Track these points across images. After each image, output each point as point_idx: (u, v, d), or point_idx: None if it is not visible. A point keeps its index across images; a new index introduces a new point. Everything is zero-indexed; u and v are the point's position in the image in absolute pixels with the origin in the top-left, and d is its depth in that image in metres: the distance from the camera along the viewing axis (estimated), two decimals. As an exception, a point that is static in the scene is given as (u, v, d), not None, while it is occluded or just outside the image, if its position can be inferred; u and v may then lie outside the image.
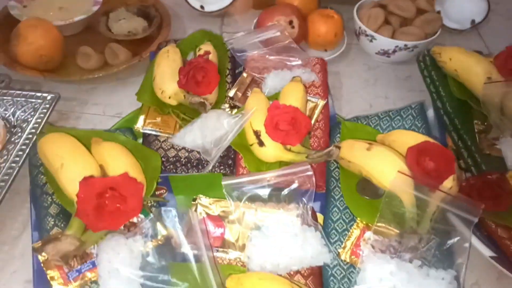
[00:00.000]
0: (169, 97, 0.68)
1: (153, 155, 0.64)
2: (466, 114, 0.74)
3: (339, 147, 0.63)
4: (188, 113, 0.69)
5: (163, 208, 0.58)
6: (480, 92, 0.71)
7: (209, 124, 0.65)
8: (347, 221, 0.60)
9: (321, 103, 0.74)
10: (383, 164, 0.58)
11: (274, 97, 0.73)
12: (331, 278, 0.55)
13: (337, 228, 0.59)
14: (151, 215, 0.55)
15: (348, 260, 0.56)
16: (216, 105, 0.72)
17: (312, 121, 0.72)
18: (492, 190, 0.60)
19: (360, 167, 0.60)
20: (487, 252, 0.59)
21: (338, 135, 0.70)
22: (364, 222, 0.58)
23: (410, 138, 0.60)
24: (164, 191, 0.66)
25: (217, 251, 0.56)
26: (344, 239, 0.58)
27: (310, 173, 0.58)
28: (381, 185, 0.58)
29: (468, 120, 0.73)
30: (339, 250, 0.57)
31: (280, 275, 0.53)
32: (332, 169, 0.66)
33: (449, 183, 0.56)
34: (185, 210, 0.58)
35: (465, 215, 0.54)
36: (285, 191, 0.58)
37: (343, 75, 0.92)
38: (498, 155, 0.69)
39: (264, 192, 0.58)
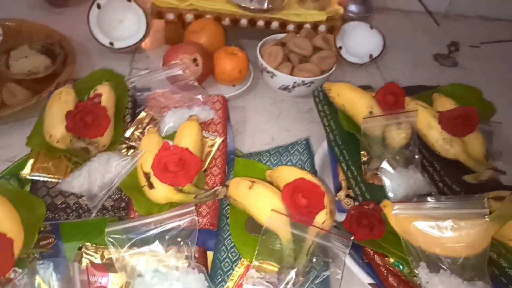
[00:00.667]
0: (57, 142, 0.67)
1: (38, 202, 0.63)
2: (354, 146, 0.79)
3: (226, 186, 0.65)
4: (80, 156, 0.69)
5: (40, 262, 0.56)
6: (362, 125, 0.76)
7: (98, 168, 0.64)
8: (233, 259, 0.62)
9: (218, 140, 0.76)
10: (261, 202, 0.61)
11: (171, 136, 0.74)
12: None
13: (223, 267, 0.61)
14: (26, 269, 0.53)
15: None
16: (111, 147, 0.72)
17: (209, 159, 0.74)
18: (368, 219, 0.65)
19: (243, 205, 0.63)
20: (366, 279, 0.63)
21: (232, 171, 0.72)
22: (248, 260, 0.60)
23: (290, 174, 0.63)
24: (52, 239, 0.64)
25: (97, 301, 0.55)
26: (227, 279, 0.59)
27: (193, 215, 0.59)
28: (261, 222, 0.61)
29: (355, 152, 0.79)
30: None
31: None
32: (224, 206, 0.68)
33: (321, 218, 0.60)
34: (67, 261, 0.57)
35: (337, 247, 0.57)
36: (168, 235, 0.58)
37: (248, 110, 0.96)
38: (380, 184, 0.74)
39: (150, 237, 0.59)
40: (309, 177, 0.63)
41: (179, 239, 0.59)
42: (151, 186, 0.64)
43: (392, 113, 0.77)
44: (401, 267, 0.62)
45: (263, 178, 0.70)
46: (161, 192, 0.64)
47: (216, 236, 0.65)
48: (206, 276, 0.57)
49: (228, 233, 0.64)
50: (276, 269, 0.57)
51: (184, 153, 0.65)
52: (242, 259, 0.61)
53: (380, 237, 0.63)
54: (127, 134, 0.75)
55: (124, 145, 0.74)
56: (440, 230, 0.60)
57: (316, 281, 0.57)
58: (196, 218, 0.59)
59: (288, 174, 0.64)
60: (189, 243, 0.58)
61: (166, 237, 0.59)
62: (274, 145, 0.88)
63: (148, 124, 0.77)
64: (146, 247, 0.58)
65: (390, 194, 0.72)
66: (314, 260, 0.58)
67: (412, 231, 0.61)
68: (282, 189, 0.60)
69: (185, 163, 0.64)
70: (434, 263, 0.59)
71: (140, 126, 0.77)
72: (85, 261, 0.58)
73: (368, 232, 0.63)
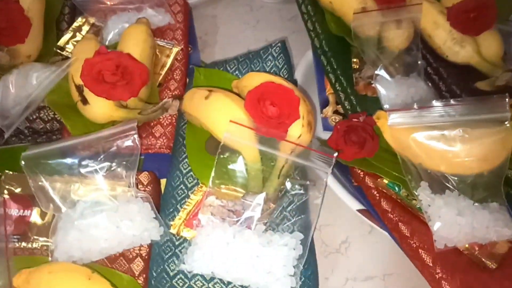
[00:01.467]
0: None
1: None
2: (344, 52, 0.65)
3: (178, 99, 0.52)
4: (-1, 68, 0.55)
5: None
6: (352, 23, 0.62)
7: (16, 81, 0.51)
8: (189, 186, 0.50)
9: (175, 49, 0.62)
10: (220, 114, 0.48)
11: (115, 46, 0.60)
12: (157, 258, 0.46)
13: (176, 195, 0.49)
14: None
15: (181, 234, 0.47)
16: (42, 59, 0.58)
17: (165, 70, 0.60)
18: (358, 135, 0.52)
19: (199, 120, 0.50)
20: (354, 204, 0.52)
21: (193, 85, 0.59)
22: (207, 186, 0.49)
23: (258, 81, 0.50)
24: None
25: (17, 240, 0.45)
26: (181, 209, 0.48)
27: (133, 132, 0.47)
28: (219, 138, 0.48)
29: (345, 59, 0.65)
30: (171, 223, 0.48)
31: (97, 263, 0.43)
32: (181, 125, 0.56)
33: (296, 131, 0.48)
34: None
35: (318, 167, 0.46)
36: (103, 158, 0.46)
37: (220, 19, 0.80)
38: (374, 96, 0.61)
39: (79, 162, 0.47)
40: (280, 81, 0.50)
41: (117, 163, 0.47)
42: (85, 101, 0.51)
43: (390, 8, 0.61)
44: (396, 189, 0.50)
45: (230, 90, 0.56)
46: (98, 108, 0.51)
47: (170, 160, 0.53)
48: (153, 206, 0.46)
49: (184, 155, 0.52)
50: (241, 195, 0.46)
51: (124, 58, 0.51)
52: (200, 185, 0.49)
53: (372, 155, 0.51)
54: (61, 42, 0.61)
55: (58, 58, 0.60)
56: (447, 142, 0.47)
57: (289, 208, 0.45)
58: (137, 136, 0.47)
59: (258, 81, 0.50)
60: (130, 167, 0.47)
61: (101, 161, 0.47)
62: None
63: (88, 32, 0.63)
64: (76, 175, 0.47)
65: (386, 106, 0.59)
66: (288, 183, 0.46)
67: (412, 145, 0.48)
68: (246, 96, 0.47)
69: (125, 71, 0.50)
70: (438, 183, 0.47)
71: (78, 34, 0.62)
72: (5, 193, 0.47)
73: (358, 149, 0.51)
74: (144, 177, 0.50)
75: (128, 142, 0.47)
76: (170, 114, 0.53)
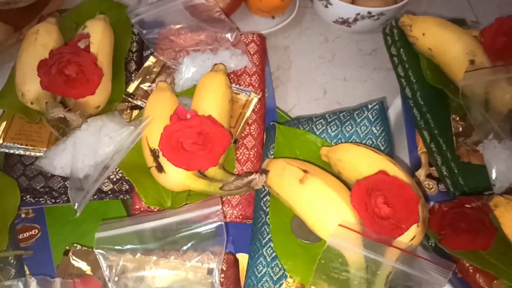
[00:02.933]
0: (31, 103, 0.49)
1: (10, 186, 0.46)
2: (442, 107, 0.57)
3: (265, 172, 0.45)
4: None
5: (15, 279, 0.41)
6: (460, 81, 0.53)
7: (87, 139, 0.46)
8: (275, 278, 0.44)
9: (254, 98, 0.56)
10: (316, 206, 0.41)
11: (189, 92, 0.54)
12: None
13: None
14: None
15: None
16: (109, 107, 0.53)
17: (241, 125, 0.54)
18: (470, 224, 0.45)
19: (288, 203, 0.44)
20: None
21: (273, 144, 0.52)
22: (297, 281, 0.43)
23: (360, 161, 0.43)
24: (36, 231, 0.49)
25: (89, 335, 0.40)
26: None
27: (219, 217, 0.41)
28: (317, 233, 0.42)
29: (443, 115, 0.57)
30: None
31: None
32: (261, 197, 0.49)
33: (410, 232, 0.40)
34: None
35: (430, 278, 0.38)
36: (185, 244, 0.41)
37: (292, 51, 0.73)
38: (479, 164, 0.53)
39: (156, 246, 0.42)
40: (393, 169, 0.42)
41: (199, 250, 0.41)
42: (160, 168, 0.46)
43: (505, 64, 0.53)
44: (519, 297, 0.42)
45: (317, 157, 0.50)
46: (175, 177, 0.46)
47: (251, 240, 0.47)
48: (236, 307, 0.40)
49: (268, 237, 0.46)
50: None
51: (206, 124, 0.45)
52: (288, 279, 0.43)
53: (486, 249, 0.44)
54: (131, 88, 0.55)
55: (126, 104, 0.54)
56: None
57: None
58: (223, 223, 0.41)
59: (357, 159, 0.43)
60: (213, 254, 0.41)
61: (183, 248, 0.41)
62: (327, 100, 0.67)
63: (158, 74, 0.57)
64: (152, 258, 0.42)
65: (496, 182, 0.51)
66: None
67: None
68: (352, 189, 0.40)
69: (207, 138, 0.45)
70: None
71: (148, 77, 0.57)
72: (71, 272, 0.43)
73: (469, 240, 0.44)
74: (222, 260, 0.44)
75: (212, 227, 0.41)
76: (255, 189, 0.47)
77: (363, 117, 0.51)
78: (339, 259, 0.39)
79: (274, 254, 0.44)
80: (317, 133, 0.51)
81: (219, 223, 0.41)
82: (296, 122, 0.53)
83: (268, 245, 0.45)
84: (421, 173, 0.57)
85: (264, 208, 0.48)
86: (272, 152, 0.52)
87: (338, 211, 0.40)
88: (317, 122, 0.52)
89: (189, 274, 0.41)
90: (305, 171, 0.43)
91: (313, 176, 0.42)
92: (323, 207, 0.41)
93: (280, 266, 0.44)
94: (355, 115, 0.51)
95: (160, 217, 0.42)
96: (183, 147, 0.44)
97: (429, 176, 0.57)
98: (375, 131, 0.50)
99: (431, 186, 0.56)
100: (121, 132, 0.46)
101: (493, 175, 0.51)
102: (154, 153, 0.46)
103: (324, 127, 0.52)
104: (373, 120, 0.50)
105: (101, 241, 0.41)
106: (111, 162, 0.45)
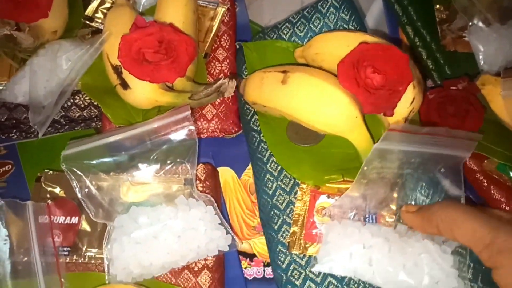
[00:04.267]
0: (-18, 32, 0.46)
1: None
2: (424, -2, 0.53)
3: (235, 77, 0.43)
4: (24, 50, 0.48)
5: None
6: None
7: (44, 64, 0.43)
8: (287, 189, 0.42)
9: (221, 9, 0.52)
10: (309, 100, 0.39)
11: (151, 11, 0.50)
12: (288, 287, 0.39)
13: (278, 204, 0.41)
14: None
15: (307, 252, 0.39)
16: (68, 33, 0.50)
17: (210, 37, 0.51)
18: (458, 106, 0.43)
19: (280, 112, 0.41)
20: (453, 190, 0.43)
21: (245, 64, 0.49)
22: (310, 185, 0.41)
23: (338, 45, 0.40)
24: (10, 166, 0.48)
25: (68, 253, 0.39)
26: (290, 221, 0.40)
27: (189, 122, 0.39)
28: (316, 129, 0.40)
29: (426, 6, 0.53)
30: (287, 240, 0.40)
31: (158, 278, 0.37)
32: (249, 118, 0.46)
33: (409, 95, 0.38)
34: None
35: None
36: (155, 155, 0.39)
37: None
38: (466, 52, 0.50)
39: (127, 159, 0.40)
40: (371, 39, 0.39)
41: (172, 160, 0.39)
42: (125, 85, 0.43)
43: None
44: (511, 173, 0.41)
45: (293, 62, 0.47)
46: (141, 93, 0.43)
47: (251, 162, 0.45)
48: (217, 209, 0.39)
49: (268, 154, 0.43)
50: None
51: (167, 31, 0.42)
52: (301, 186, 0.41)
53: (476, 130, 0.42)
54: (89, 12, 0.52)
55: (87, 29, 0.51)
56: None
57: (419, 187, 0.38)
58: (193, 127, 0.39)
59: (334, 44, 0.40)
60: (188, 163, 0.39)
61: (152, 157, 0.40)
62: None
63: (118, -6, 0.53)
64: (125, 174, 0.40)
65: (484, 65, 0.48)
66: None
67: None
68: (338, 69, 0.38)
69: (170, 47, 0.42)
70: None
71: (107, -1, 0.53)
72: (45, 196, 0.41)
73: (458, 123, 0.42)
74: (201, 170, 0.43)
75: (183, 134, 0.39)
76: (227, 96, 0.44)
77: (328, 5, 0.47)
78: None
79: (279, 167, 0.42)
80: (286, 38, 0.48)
81: (190, 127, 0.39)
82: (261, 35, 0.50)
83: (270, 161, 0.43)
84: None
85: (255, 127, 0.45)
86: (246, 73, 0.48)
87: (329, 97, 0.38)
88: (283, 28, 0.48)
89: (165, 185, 0.40)
90: (284, 71, 0.40)
91: (293, 73, 0.40)
92: (313, 98, 0.38)
93: (289, 177, 0.42)
94: (319, 6, 0.47)
95: (128, 129, 0.40)
96: (145, 58, 0.41)
97: (414, 73, 0.54)
98: (344, 16, 0.47)
99: (418, 83, 0.53)
100: (78, 51, 0.43)
101: (481, 59, 0.48)
102: (116, 70, 0.44)
103: (291, 30, 0.48)
104: (338, 5, 0.47)
105: (69, 158, 0.39)
106: (70, 84, 0.43)
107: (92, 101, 0.48)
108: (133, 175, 0.40)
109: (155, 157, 0.39)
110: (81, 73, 0.43)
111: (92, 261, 0.39)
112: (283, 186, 0.42)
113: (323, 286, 0.38)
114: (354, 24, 0.48)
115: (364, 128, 0.39)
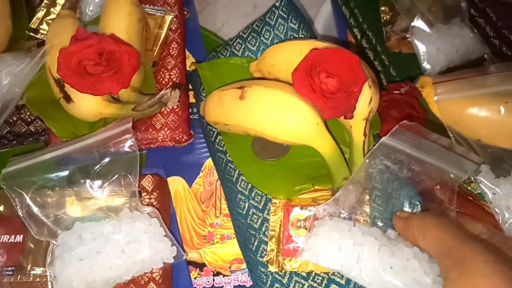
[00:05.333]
0: None
1: None
2: (370, 1, 0.54)
3: (179, 87, 0.43)
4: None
5: None
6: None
7: (-16, 81, 0.43)
8: (260, 207, 0.41)
9: (169, 17, 0.52)
10: (269, 113, 0.39)
11: (97, 22, 0.50)
12: None
13: (252, 223, 0.41)
14: None
15: (285, 268, 0.39)
16: (14, 45, 0.49)
17: (158, 46, 0.51)
18: (401, 110, 0.43)
19: (243, 128, 0.41)
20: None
21: (202, 86, 0.49)
22: (282, 199, 0.41)
23: (292, 54, 0.40)
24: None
25: (12, 272, 0.39)
26: (266, 238, 0.40)
27: (129, 135, 0.39)
28: (280, 140, 0.40)
29: (373, 9, 0.54)
30: (265, 259, 0.39)
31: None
32: (213, 139, 0.46)
33: (366, 95, 0.38)
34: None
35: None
36: (97, 168, 0.39)
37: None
38: (410, 52, 0.51)
39: (69, 175, 0.40)
40: (321, 45, 0.40)
41: (114, 172, 0.39)
42: (68, 98, 0.43)
43: None
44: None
45: (249, 77, 0.47)
46: (85, 106, 0.43)
47: (221, 184, 0.46)
48: (161, 221, 0.39)
49: (236, 173, 0.43)
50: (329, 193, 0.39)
51: (107, 42, 0.41)
52: (273, 200, 0.41)
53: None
54: (34, 24, 0.51)
55: (33, 42, 0.51)
56: (512, 112, 0.38)
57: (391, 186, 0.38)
58: (133, 140, 0.39)
59: (286, 53, 0.41)
60: (130, 175, 0.39)
61: (94, 171, 0.39)
62: (257, 15, 0.63)
63: (63, 6, 0.53)
64: (69, 189, 0.40)
65: (426, 65, 0.49)
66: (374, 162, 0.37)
67: (468, 119, 0.39)
68: (292, 78, 0.38)
69: (111, 58, 0.41)
70: (503, 164, 0.39)
71: (52, 10, 0.52)
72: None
73: (402, 127, 0.42)
74: (148, 181, 0.43)
75: (125, 147, 0.39)
76: (170, 107, 0.44)
77: (275, 16, 0.47)
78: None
79: (249, 186, 0.42)
80: (239, 54, 0.48)
81: (130, 140, 0.39)
82: (214, 54, 0.50)
83: (239, 180, 0.43)
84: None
85: (220, 148, 0.45)
86: (204, 94, 0.48)
87: (288, 106, 0.38)
88: (235, 44, 0.48)
89: (111, 199, 0.40)
90: (240, 87, 0.40)
91: (250, 87, 0.40)
92: (273, 110, 0.38)
93: (260, 193, 0.42)
94: (267, 19, 0.48)
95: (68, 144, 0.40)
96: (86, 71, 0.41)
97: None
98: (293, 26, 0.47)
99: (366, 85, 0.54)
100: (19, 65, 0.43)
101: (423, 60, 0.49)
102: (59, 83, 0.43)
103: (243, 45, 0.48)
104: (286, 16, 0.47)
105: (9, 175, 0.38)
106: (12, 98, 0.42)
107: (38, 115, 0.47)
108: (78, 189, 0.40)
109: (97, 170, 0.39)
110: (23, 87, 0.43)
111: (37, 279, 0.39)
112: (255, 204, 0.42)
113: None
114: (303, 32, 0.48)
115: (327, 133, 0.39)
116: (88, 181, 0.39)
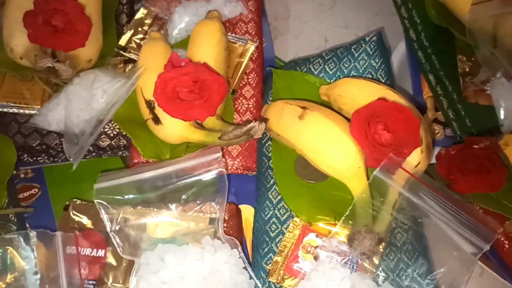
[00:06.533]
0: (21, 57, 0.47)
1: (5, 143, 0.45)
2: (448, 47, 0.54)
3: (265, 121, 0.44)
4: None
5: (15, 233, 0.40)
6: (466, 16, 0.50)
7: (80, 93, 0.45)
8: (282, 219, 0.43)
9: (251, 46, 0.53)
10: (318, 140, 0.40)
11: (183, 44, 0.52)
12: None
13: (269, 231, 0.43)
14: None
15: (284, 284, 0.41)
16: (101, 61, 0.51)
17: (238, 75, 0.52)
18: (479, 164, 0.43)
19: (292, 145, 0.43)
20: (468, 248, 0.44)
21: (271, 90, 0.51)
22: (303, 219, 0.42)
23: (361, 92, 0.42)
24: (36, 190, 0.48)
25: (93, 286, 0.40)
26: (276, 249, 0.42)
27: (220, 165, 0.40)
28: (320, 168, 0.41)
29: (449, 56, 0.54)
30: (268, 267, 0.41)
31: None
32: (263, 142, 0.48)
33: (415, 158, 0.40)
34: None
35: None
36: (184, 194, 0.40)
37: (290, -1, 0.70)
38: (487, 104, 0.51)
39: (157, 196, 0.41)
40: (392, 95, 0.41)
41: (201, 200, 0.40)
42: (157, 120, 0.45)
43: (515, -5, 0.50)
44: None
45: (317, 98, 0.48)
46: (172, 128, 0.44)
47: (256, 186, 0.47)
48: (241, 252, 0.40)
49: (272, 181, 0.45)
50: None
51: (202, 71, 0.43)
52: (294, 219, 0.43)
53: (497, 190, 0.43)
54: (123, 41, 0.53)
55: (119, 58, 0.52)
56: None
57: (405, 248, 0.38)
58: (223, 169, 0.40)
59: (356, 90, 0.42)
60: (215, 203, 0.40)
61: (183, 197, 0.41)
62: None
63: (150, 26, 0.55)
64: (153, 209, 0.41)
65: (505, 121, 0.49)
66: (399, 219, 0.39)
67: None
68: (352, 118, 0.39)
69: (203, 86, 0.43)
70: None
71: (140, 29, 0.54)
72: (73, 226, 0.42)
73: (479, 181, 0.43)
74: (225, 210, 0.44)
75: (213, 175, 0.40)
76: (255, 138, 0.45)
77: (361, 50, 0.49)
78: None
79: (279, 197, 0.44)
80: (315, 73, 0.50)
81: (220, 169, 0.40)
82: (293, 64, 0.52)
83: (273, 188, 0.45)
84: (426, 118, 0.55)
85: (266, 153, 0.47)
86: (271, 98, 0.50)
87: (338, 142, 0.40)
88: (314, 62, 0.50)
89: (191, 224, 0.41)
90: (303, 107, 0.42)
91: (312, 111, 0.41)
92: (323, 139, 0.40)
93: (286, 207, 0.44)
94: (352, 49, 0.49)
95: (159, 166, 0.41)
96: (179, 97, 0.43)
97: (435, 121, 0.55)
98: (374, 64, 0.48)
99: (437, 131, 0.54)
100: (114, 84, 0.45)
101: (502, 114, 0.49)
102: (149, 105, 0.45)
103: (321, 66, 0.50)
104: (371, 52, 0.48)
105: (101, 192, 0.40)
106: (105, 115, 0.44)
107: (121, 131, 0.49)
108: (161, 211, 0.41)
109: (185, 197, 0.40)
110: (117, 106, 0.45)
111: (117, 296, 0.40)
112: (278, 215, 0.44)
113: None
114: (382, 73, 0.49)
115: (365, 180, 0.41)
116: (173, 204, 0.40)
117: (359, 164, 0.39)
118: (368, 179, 0.40)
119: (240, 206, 0.48)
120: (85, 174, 0.48)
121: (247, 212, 0.48)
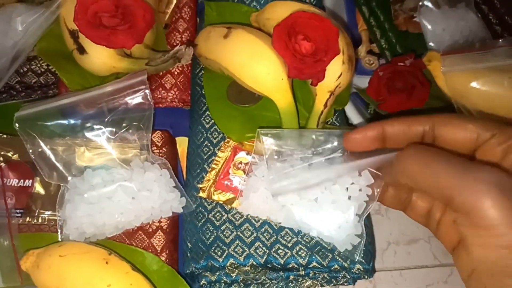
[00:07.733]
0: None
1: None
2: (381, -22, 0.55)
3: (192, 45, 0.44)
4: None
5: None
6: None
7: (-1, 27, 0.43)
8: (214, 142, 0.44)
9: (183, -20, 0.52)
10: (241, 54, 0.40)
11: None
12: (190, 227, 0.41)
13: (201, 154, 0.44)
14: None
15: (213, 197, 0.42)
16: (25, -2, 0.49)
17: (171, 8, 0.51)
18: (405, 81, 0.45)
19: (219, 64, 0.43)
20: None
21: (204, 23, 0.50)
22: (235, 140, 0.43)
23: (286, 11, 0.41)
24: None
25: (21, 214, 0.39)
26: (208, 169, 0.43)
27: (144, 86, 0.39)
28: (245, 85, 0.42)
29: (382, -13, 0.55)
30: (200, 186, 0.42)
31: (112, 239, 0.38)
32: (197, 72, 0.48)
33: (336, 69, 0.40)
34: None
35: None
36: (110, 118, 0.40)
37: None
38: (416, 32, 0.52)
39: (83, 123, 0.40)
40: (315, 10, 0.41)
41: (127, 124, 0.40)
42: (82, 50, 0.43)
43: None
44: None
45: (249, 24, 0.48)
46: (98, 58, 0.43)
47: (189, 115, 0.47)
48: (172, 173, 0.40)
49: (205, 107, 0.46)
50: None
51: (124, -6, 0.42)
52: (227, 140, 0.44)
53: (422, 105, 0.44)
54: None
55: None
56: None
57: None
58: (149, 91, 0.40)
59: (283, 12, 0.42)
60: (143, 127, 0.40)
61: (108, 121, 0.40)
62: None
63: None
64: (80, 138, 0.40)
65: (432, 44, 0.51)
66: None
67: (472, 92, 0.41)
68: (273, 31, 0.40)
69: (126, 12, 0.42)
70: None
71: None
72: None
73: (404, 98, 0.44)
74: (158, 137, 0.44)
75: (139, 99, 0.40)
76: (184, 64, 0.45)
77: None
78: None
79: (212, 121, 0.45)
80: (247, 2, 0.50)
81: (146, 91, 0.39)
82: None
83: (205, 114, 0.45)
84: (361, 50, 0.56)
85: (199, 82, 0.47)
86: None
87: (260, 55, 0.40)
88: None
89: (122, 151, 0.40)
90: (228, 27, 0.42)
91: (235, 29, 0.41)
92: (246, 53, 0.40)
93: (218, 131, 0.44)
94: None
95: (84, 92, 0.40)
96: (101, 23, 0.41)
97: (370, 52, 0.56)
98: (305, -6, 0.48)
99: (371, 62, 0.55)
100: (33, 14, 0.43)
101: (429, 38, 0.51)
102: (73, 34, 0.43)
103: None
104: None
105: (23, 118, 0.39)
106: (25, 46, 0.42)
107: (49, 67, 0.47)
108: (89, 139, 0.40)
109: (110, 119, 0.39)
110: (36, 37, 0.43)
111: (45, 223, 0.39)
112: (211, 138, 0.45)
113: (220, 230, 0.40)
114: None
115: (289, 92, 0.41)
116: (100, 130, 0.40)
117: (281, 76, 0.40)
118: (292, 91, 0.40)
119: (177, 138, 0.48)
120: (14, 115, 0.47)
121: (184, 143, 0.48)
